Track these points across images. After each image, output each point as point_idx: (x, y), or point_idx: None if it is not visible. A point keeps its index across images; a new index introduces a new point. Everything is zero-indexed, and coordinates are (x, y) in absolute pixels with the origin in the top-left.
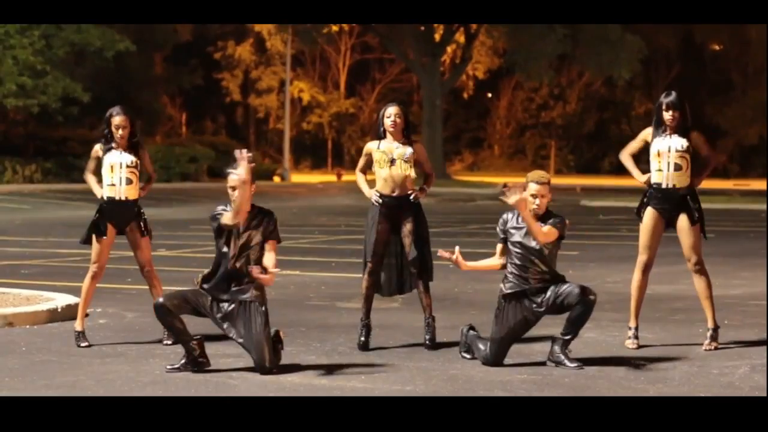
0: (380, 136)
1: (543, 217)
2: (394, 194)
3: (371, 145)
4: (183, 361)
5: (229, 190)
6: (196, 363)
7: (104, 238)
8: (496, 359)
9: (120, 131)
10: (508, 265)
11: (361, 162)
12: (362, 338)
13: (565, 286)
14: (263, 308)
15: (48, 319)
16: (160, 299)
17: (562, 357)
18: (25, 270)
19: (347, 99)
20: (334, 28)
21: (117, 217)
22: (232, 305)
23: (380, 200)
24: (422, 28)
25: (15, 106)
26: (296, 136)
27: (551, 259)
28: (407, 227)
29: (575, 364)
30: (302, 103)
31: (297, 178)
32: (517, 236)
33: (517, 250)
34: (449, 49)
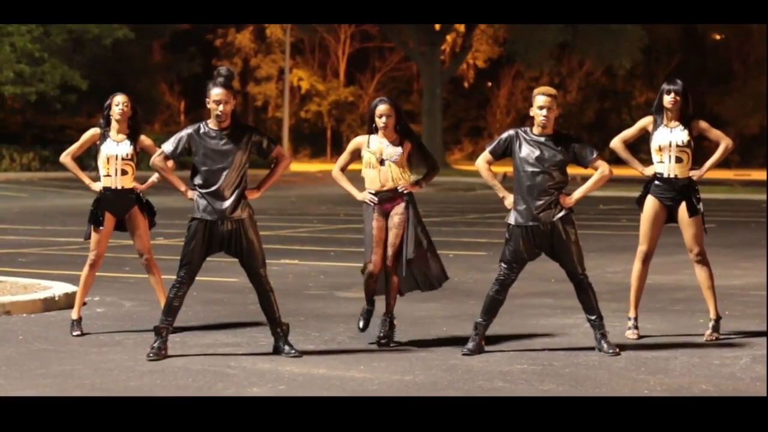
0: (371, 131)
1: (556, 138)
2: (384, 188)
3: (360, 141)
4: (158, 345)
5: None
6: (159, 350)
7: (102, 228)
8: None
9: (120, 106)
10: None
11: (345, 158)
12: (360, 323)
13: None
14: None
15: (45, 308)
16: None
17: (601, 344)
18: (23, 258)
19: (346, 87)
20: None
21: (115, 205)
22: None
23: (375, 199)
24: None
25: (13, 93)
26: (295, 124)
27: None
28: (395, 219)
29: (611, 351)
30: (301, 91)
31: (296, 166)
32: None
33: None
34: (449, 38)
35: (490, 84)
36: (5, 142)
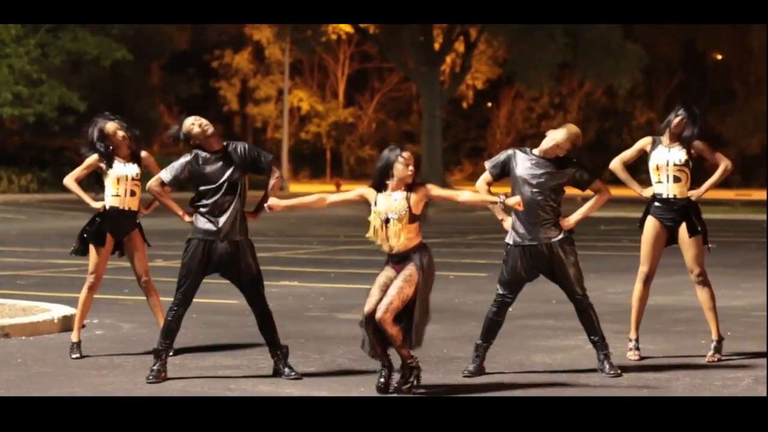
0: (378, 187)
1: (554, 161)
2: (393, 252)
3: (368, 195)
4: (157, 368)
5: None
6: (158, 373)
7: (102, 248)
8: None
9: (120, 133)
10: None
11: (349, 195)
12: (381, 379)
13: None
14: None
15: (44, 331)
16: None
17: (604, 365)
18: (21, 281)
19: (346, 108)
20: (333, 36)
21: (117, 226)
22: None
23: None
24: (421, 38)
25: (11, 115)
26: (294, 145)
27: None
28: (403, 273)
29: (613, 372)
30: (301, 112)
31: (295, 188)
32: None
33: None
34: (449, 59)
35: (489, 104)
36: (3, 163)
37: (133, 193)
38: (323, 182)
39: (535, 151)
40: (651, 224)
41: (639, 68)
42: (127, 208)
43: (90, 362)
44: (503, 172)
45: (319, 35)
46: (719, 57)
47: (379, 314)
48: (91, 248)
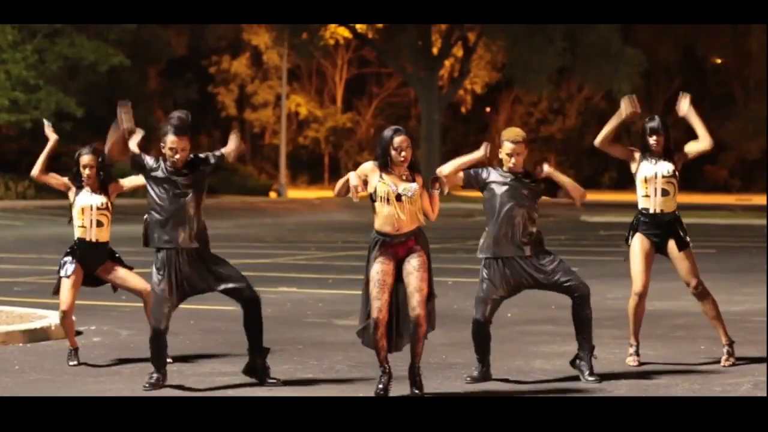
0: (382, 165)
1: (526, 175)
2: (398, 232)
3: (370, 170)
4: (156, 376)
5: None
6: (157, 380)
7: (72, 277)
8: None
9: (87, 170)
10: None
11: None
12: (380, 385)
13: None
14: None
15: (41, 338)
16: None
17: (583, 369)
18: (18, 287)
19: (344, 113)
20: (330, 41)
21: (87, 258)
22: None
23: (358, 189)
24: (420, 42)
25: (8, 121)
26: (292, 151)
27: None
28: (413, 262)
29: (592, 378)
30: (299, 117)
31: (293, 193)
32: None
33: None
34: (447, 63)
35: (488, 109)
36: (0, 170)
37: (99, 224)
38: (321, 188)
39: (505, 168)
40: (638, 241)
41: (638, 72)
42: (94, 240)
43: (87, 369)
44: (475, 180)
45: (316, 40)
46: (718, 61)
47: (418, 311)
48: (62, 281)
